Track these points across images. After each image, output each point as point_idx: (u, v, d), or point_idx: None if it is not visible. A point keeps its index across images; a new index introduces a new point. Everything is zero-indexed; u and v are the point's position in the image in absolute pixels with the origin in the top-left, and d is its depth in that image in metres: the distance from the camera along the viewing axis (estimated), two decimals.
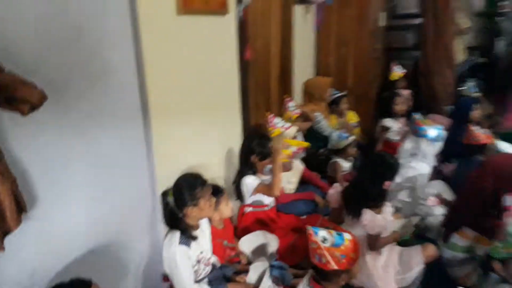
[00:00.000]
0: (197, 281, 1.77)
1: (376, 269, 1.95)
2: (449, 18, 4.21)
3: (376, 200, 1.98)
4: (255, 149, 2.26)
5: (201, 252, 1.80)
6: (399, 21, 4.59)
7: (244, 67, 2.51)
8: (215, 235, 2.03)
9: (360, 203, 1.97)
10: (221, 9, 2.28)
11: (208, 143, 2.31)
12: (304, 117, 3.07)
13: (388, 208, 1.99)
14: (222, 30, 2.32)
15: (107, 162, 1.67)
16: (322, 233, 1.44)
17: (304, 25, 3.61)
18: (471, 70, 5.27)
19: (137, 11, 1.67)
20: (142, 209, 1.94)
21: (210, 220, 1.99)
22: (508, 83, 4.37)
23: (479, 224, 1.96)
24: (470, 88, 3.84)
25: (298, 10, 3.42)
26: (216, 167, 2.41)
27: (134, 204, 1.87)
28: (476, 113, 3.10)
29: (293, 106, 2.88)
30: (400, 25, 4.59)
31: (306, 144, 2.68)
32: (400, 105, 3.40)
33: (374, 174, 1.99)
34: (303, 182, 2.83)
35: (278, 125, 2.50)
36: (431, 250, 1.97)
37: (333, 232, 1.46)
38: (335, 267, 1.41)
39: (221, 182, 2.32)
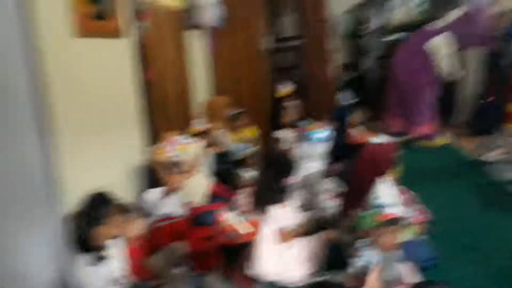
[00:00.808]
0: None
1: (288, 260, 2.15)
2: (325, 39, 4.80)
3: (279, 196, 2.20)
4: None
5: (111, 272, 1.80)
6: (284, 43, 5.10)
7: (146, 88, 2.60)
8: (132, 255, 2.03)
9: (266, 200, 2.18)
10: (115, 33, 2.37)
11: (111, 162, 2.32)
12: (208, 135, 3.23)
13: (291, 204, 2.23)
14: (119, 53, 2.39)
15: None
16: (231, 214, 1.61)
17: (198, 48, 3.82)
18: (344, 83, 6.03)
19: (33, 33, 1.67)
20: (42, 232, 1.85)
21: (123, 241, 2.00)
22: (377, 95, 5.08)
23: None
24: (346, 97, 4.39)
25: (192, 35, 3.62)
26: (119, 186, 2.42)
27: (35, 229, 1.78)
28: (354, 118, 3.58)
29: (200, 122, 3.03)
30: (285, 47, 5.10)
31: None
32: (288, 117, 3.76)
33: (273, 172, 2.23)
34: (213, 196, 2.95)
35: (183, 142, 2.61)
36: (331, 234, 2.24)
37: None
38: (244, 239, 1.58)
39: (126, 201, 2.34)
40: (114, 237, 1.88)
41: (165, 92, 3.13)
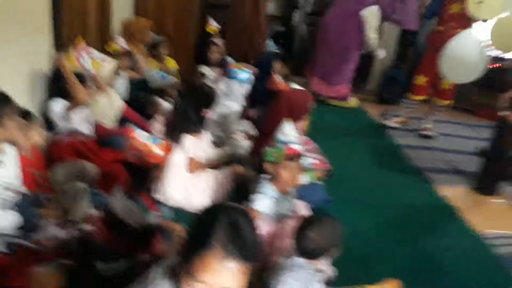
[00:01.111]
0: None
1: (195, 188, 2.17)
2: None
3: (195, 126, 2.18)
4: None
5: (7, 179, 1.66)
6: None
7: None
8: (25, 165, 1.88)
9: (181, 129, 2.14)
10: None
11: (13, 66, 2.07)
12: (126, 57, 3.02)
13: (205, 136, 2.22)
14: None
15: None
16: (144, 134, 1.56)
17: None
18: (273, 37, 6.02)
19: None
20: None
21: (18, 148, 1.83)
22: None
23: None
24: (273, 45, 4.40)
25: None
26: (23, 92, 2.19)
27: None
28: (277, 65, 3.61)
29: (122, 41, 2.81)
30: None
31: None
32: (215, 54, 3.66)
33: (194, 101, 2.19)
34: (124, 120, 2.81)
35: (97, 56, 2.42)
36: (238, 169, 2.30)
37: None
38: (154, 161, 1.56)
39: (29, 108, 2.13)
40: (9, 141, 1.71)
41: (83, 3, 2.83)
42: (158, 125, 2.57)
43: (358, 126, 4.12)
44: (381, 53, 4.36)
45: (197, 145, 2.18)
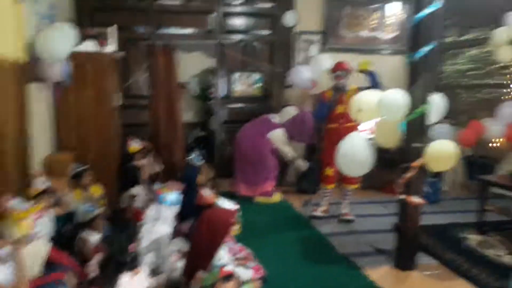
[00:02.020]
0: None
1: None
2: (176, 100, 5.08)
3: (130, 264, 2.23)
4: None
5: None
6: (134, 101, 5.20)
7: None
8: None
9: (116, 270, 2.18)
10: None
11: None
12: (50, 195, 3.03)
13: (142, 270, 2.27)
14: None
15: None
16: None
17: (40, 102, 3.62)
18: (194, 142, 6.38)
19: None
20: None
21: None
22: None
23: None
24: (195, 158, 4.66)
25: (33, 88, 3.43)
26: None
27: None
28: (200, 178, 3.84)
29: (41, 180, 2.84)
30: (136, 104, 5.20)
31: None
32: (144, 174, 3.84)
33: (121, 241, 2.26)
34: (51, 263, 2.74)
35: (18, 207, 2.41)
36: None
37: None
38: None
39: None
40: None
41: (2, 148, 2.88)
42: (90, 266, 2.54)
43: (284, 220, 4.39)
44: (301, 165, 5.13)
45: (134, 282, 2.21)
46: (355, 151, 3.22)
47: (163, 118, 5.06)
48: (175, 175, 4.78)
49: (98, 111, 4.07)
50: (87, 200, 3.46)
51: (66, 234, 3.12)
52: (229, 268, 2.06)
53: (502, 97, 5.11)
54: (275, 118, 5.11)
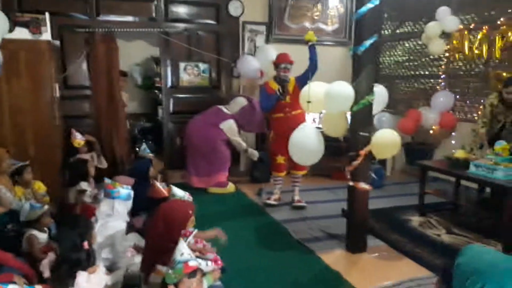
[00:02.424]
0: None
1: None
2: (117, 90, 4.88)
3: (86, 262, 2.13)
4: None
5: None
6: (74, 92, 4.91)
7: None
8: None
9: (70, 269, 2.06)
10: None
11: None
12: None
13: (99, 267, 2.17)
14: None
15: None
16: None
17: None
18: (140, 133, 6.18)
19: None
20: None
21: None
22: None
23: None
24: (144, 149, 4.53)
25: None
26: None
27: None
28: (152, 171, 3.74)
29: None
30: (75, 95, 4.91)
31: None
32: (91, 170, 3.65)
33: (73, 238, 2.15)
34: None
35: None
36: None
37: None
38: None
39: None
40: None
41: None
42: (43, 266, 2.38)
43: (239, 209, 4.42)
44: (253, 155, 5.10)
45: (92, 280, 2.11)
46: (307, 140, 3.30)
47: (105, 109, 4.85)
48: (122, 169, 4.64)
49: (34, 102, 3.82)
50: (31, 197, 3.24)
51: (10, 234, 2.90)
52: (193, 263, 2.02)
53: (436, 87, 5.50)
54: (226, 108, 5.09)
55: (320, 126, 3.58)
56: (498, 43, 4.55)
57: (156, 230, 2.44)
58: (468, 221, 3.90)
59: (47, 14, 3.86)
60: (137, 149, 4.77)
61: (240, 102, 5.10)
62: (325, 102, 3.23)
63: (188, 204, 2.81)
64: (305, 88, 3.45)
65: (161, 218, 2.48)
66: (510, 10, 4.51)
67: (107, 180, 3.03)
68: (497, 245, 3.29)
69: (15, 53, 3.64)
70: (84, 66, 4.98)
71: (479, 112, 4.62)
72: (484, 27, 4.71)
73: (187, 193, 3.14)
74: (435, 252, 3.27)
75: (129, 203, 3.04)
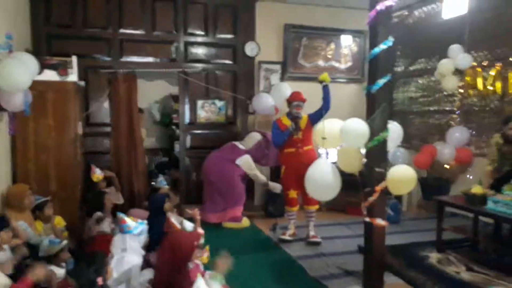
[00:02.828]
0: None
1: None
2: (136, 126, 5.06)
3: None
4: None
5: None
6: (95, 128, 5.10)
7: None
8: None
9: None
10: None
11: None
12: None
13: None
14: None
15: None
16: None
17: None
18: (158, 167, 6.30)
19: None
20: None
21: None
22: None
23: None
24: (161, 181, 4.62)
25: None
26: None
27: None
28: (167, 205, 3.79)
29: None
30: (97, 132, 5.10)
31: None
32: (108, 202, 3.76)
33: (88, 275, 2.20)
34: None
35: None
36: None
37: None
38: None
39: None
40: None
41: None
42: None
43: (254, 244, 4.42)
44: (275, 188, 5.14)
45: None
46: (324, 176, 3.32)
47: (124, 145, 5.01)
48: (139, 203, 4.73)
49: (59, 140, 3.97)
50: (50, 232, 3.32)
51: (27, 269, 2.96)
52: None
53: (450, 122, 5.51)
54: (241, 144, 5.19)
55: (335, 161, 3.61)
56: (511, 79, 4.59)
57: (163, 260, 2.48)
58: (488, 258, 3.80)
59: (74, 57, 4.08)
60: (153, 183, 4.85)
61: (255, 137, 5.21)
62: (341, 138, 3.27)
63: (195, 235, 2.84)
64: (320, 124, 3.51)
65: (167, 248, 2.51)
66: None
67: (120, 215, 3.08)
68: None
69: (43, 93, 3.82)
70: (106, 104, 5.18)
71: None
72: (496, 64, 4.77)
73: (194, 225, 3.16)
74: None
75: (143, 238, 3.08)
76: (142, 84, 5.77)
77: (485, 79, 4.91)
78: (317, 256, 4.01)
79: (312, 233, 4.43)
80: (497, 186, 3.74)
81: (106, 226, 3.55)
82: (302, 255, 4.01)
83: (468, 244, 4.15)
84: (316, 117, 4.23)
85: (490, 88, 4.83)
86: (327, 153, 4.98)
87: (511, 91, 4.60)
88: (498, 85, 4.73)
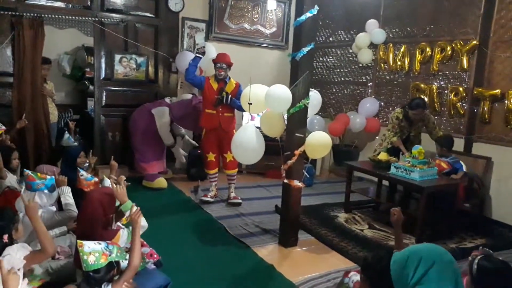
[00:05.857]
0: None
1: None
2: (39, 79, 4.60)
3: None
4: None
5: None
6: None
7: None
8: None
9: None
10: None
11: None
12: None
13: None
14: None
15: None
16: None
17: None
18: (67, 126, 5.86)
19: None
20: None
21: None
22: None
23: None
24: (68, 139, 4.32)
25: None
26: None
27: None
28: (80, 160, 3.57)
29: None
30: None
31: None
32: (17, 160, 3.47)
33: None
34: None
35: None
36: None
37: None
38: None
39: None
40: None
41: None
42: None
43: (175, 205, 4.41)
44: (178, 158, 5.29)
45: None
46: (249, 141, 3.38)
47: (28, 98, 4.55)
48: (44, 160, 4.43)
49: None
50: None
51: None
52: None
53: (363, 93, 5.91)
54: (170, 100, 5.16)
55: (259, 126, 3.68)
56: (418, 57, 5.03)
57: (84, 217, 2.40)
58: (387, 218, 4.24)
59: None
60: (61, 139, 4.50)
61: (184, 96, 5.13)
62: (266, 103, 3.34)
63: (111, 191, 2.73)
64: (246, 89, 3.53)
65: (87, 205, 2.42)
66: (428, 28, 5.00)
67: (27, 172, 2.79)
68: (411, 239, 3.64)
69: None
70: (8, 51, 4.61)
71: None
72: (405, 41, 5.18)
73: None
74: (358, 245, 3.54)
75: (55, 194, 2.85)
76: (50, 32, 5.22)
77: (395, 54, 5.32)
78: (237, 216, 4.15)
79: (233, 194, 4.55)
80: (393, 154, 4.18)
81: (15, 183, 3.26)
82: (222, 215, 4.12)
83: (372, 205, 4.60)
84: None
85: (399, 63, 5.26)
86: (250, 121, 5.12)
87: (417, 67, 5.06)
88: (406, 61, 5.17)
